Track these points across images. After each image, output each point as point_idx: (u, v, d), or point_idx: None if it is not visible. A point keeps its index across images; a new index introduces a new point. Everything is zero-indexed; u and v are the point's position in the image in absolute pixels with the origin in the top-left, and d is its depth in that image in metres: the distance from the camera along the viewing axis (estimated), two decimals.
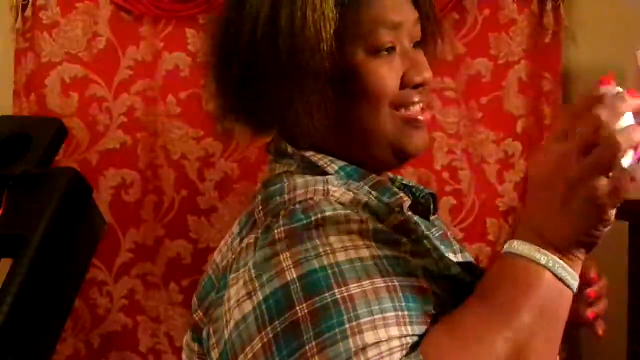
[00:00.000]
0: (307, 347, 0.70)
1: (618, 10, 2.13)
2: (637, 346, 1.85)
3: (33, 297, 1.40)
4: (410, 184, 1.01)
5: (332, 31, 0.85)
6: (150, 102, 2.14)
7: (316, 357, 0.69)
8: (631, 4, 2.03)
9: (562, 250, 0.70)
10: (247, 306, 0.75)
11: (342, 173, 0.85)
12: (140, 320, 2.13)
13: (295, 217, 0.78)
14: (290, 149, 0.90)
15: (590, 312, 0.95)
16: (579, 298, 0.94)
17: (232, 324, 0.76)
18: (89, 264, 1.69)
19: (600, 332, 0.96)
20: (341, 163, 0.86)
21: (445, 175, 2.18)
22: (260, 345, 0.72)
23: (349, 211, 0.78)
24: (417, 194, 1.00)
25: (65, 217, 1.51)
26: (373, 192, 0.84)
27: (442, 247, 0.85)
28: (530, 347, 0.69)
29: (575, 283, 0.71)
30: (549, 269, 0.70)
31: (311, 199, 0.80)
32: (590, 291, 0.94)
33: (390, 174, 0.99)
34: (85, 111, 2.14)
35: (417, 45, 0.89)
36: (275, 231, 0.78)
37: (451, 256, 0.85)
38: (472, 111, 2.17)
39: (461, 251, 0.93)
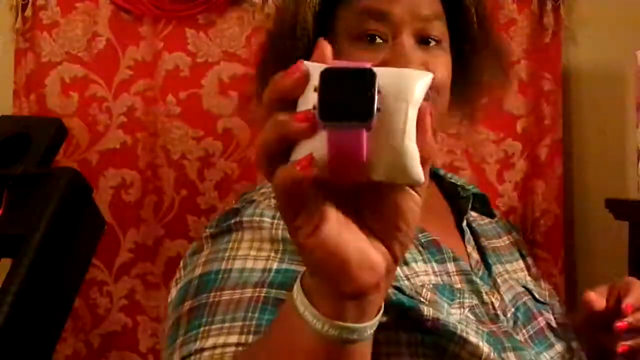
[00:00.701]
0: (177, 342, 0.74)
1: (618, 10, 2.13)
2: None
3: (33, 297, 1.40)
4: (459, 183, 1.02)
5: (311, 14, 0.86)
6: (150, 102, 2.14)
7: (177, 352, 0.73)
8: None
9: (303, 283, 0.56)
10: (173, 293, 0.81)
11: None
12: (140, 320, 2.13)
13: (224, 217, 0.81)
14: None
15: (620, 346, 0.86)
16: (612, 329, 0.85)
17: None
18: (89, 264, 1.69)
19: None
20: None
21: None
22: (167, 331, 0.78)
23: (267, 216, 0.79)
24: (462, 193, 1.00)
25: (65, 217, 1.51)
26: None
27: (407, 256, 0.80)
28: None
29: (313, 320, 0.53)
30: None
31: (252, 201, 0.82)
32: (620, 324, 0.85)
33: (442, 172, 1.00)
34: (85, 111, 2.14)
35: (437, 44, 0.86)
36: (207, 229, 0.81)
37: (422, 266, 0.82)
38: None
39: (455, 260, 0.90)
